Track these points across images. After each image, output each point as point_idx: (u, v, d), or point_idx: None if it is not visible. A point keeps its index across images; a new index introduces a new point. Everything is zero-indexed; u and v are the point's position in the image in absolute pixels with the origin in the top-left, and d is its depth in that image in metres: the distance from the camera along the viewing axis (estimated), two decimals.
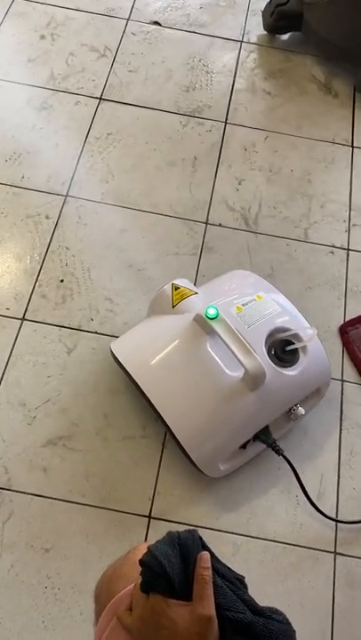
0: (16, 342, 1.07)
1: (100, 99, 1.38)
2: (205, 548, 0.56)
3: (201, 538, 0.56)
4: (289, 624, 0.53)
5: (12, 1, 1.51)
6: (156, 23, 1.53)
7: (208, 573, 0.52)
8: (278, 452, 0.95)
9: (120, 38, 1.48)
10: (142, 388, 0.93)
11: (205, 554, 0.54)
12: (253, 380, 0.87)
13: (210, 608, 0.50)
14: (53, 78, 1.39)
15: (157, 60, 1.46)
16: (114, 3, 1.55)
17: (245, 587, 0.56)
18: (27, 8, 1.50)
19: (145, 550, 0.54)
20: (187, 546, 0.55)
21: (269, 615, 0.52)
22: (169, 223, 1.23)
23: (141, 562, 0.54)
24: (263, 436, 0.94)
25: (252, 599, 0.54)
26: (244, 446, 0.95)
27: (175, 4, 1.57)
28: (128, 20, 1.52)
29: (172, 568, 0.52)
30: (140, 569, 0.54)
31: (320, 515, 0.96)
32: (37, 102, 1.35)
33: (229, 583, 0.54)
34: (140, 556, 0.54)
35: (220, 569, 0.55)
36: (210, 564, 0.53)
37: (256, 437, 0.94)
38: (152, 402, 0.92)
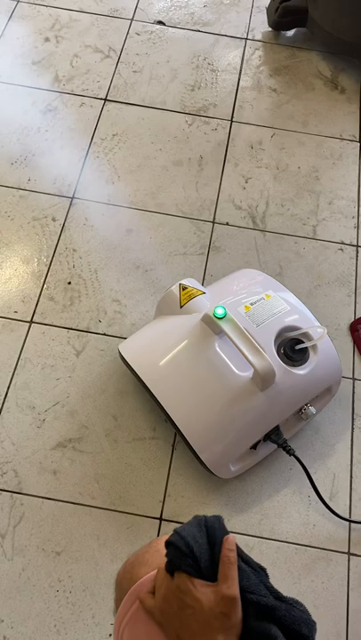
0: (24, 345, 1.07)
1: (105, 100, 1.37)
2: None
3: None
4: (310, 615, 0.53)
5: (16, 4, 1.51)
6: (160, 23, 1.52)
7: (234, 555, 0.53)
8: (289, 451, 0.94)
9: (124, 39, 1.48)
10: (151, 389, 0.92)
11: (231, 536, 0.54)
12: (263, 380, 0.86)
13: (235, 588, 0.51)
14: (58, 80, 1.39)
15: (162, 60, 1.45)
16: (117, 3, 1.54)
17: (267, 576, 0.56)
18: (31, 11, 1.50)
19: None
20: (213, 528, 0.55)
21: (292, 603, 0.53)
22: (176, 223, 1.22)
23: (167, 542, 0.54)
24: (274, 435, 0.93)
25: (274, 587, 0.54)
26: (254, 447, 0.94)
27: (179, 3, 1.56)
28: (132, 20, 1.52)
29: (199, 548, 0.53)
30: (163, 555, 0.55)
31: (333, 515, 0.95)
32: (42, 105, 1.35)
33: (252, 569, 0.54)
34: (164, 542, 0.54)
35: (243, 555, 0.55)
36: (235, 547, 0.53)
37: (267, 437, 0.93)
38: (161, 403, 0.91)
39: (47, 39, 1.46)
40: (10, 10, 1.50)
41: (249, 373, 0.89)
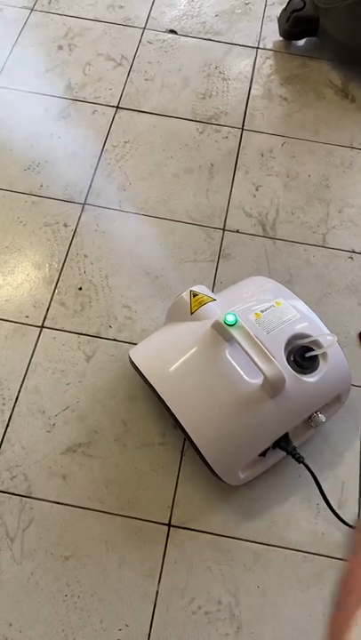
0: (35, 350, 1.08)
1: (117, 107, 1.39)
2: None
3: None
4: None
5: (30, 12, 1.53)
6: (172, 32, 1.54)
7: None
8: (298, 459, 0.94)
9: (136, 47, 1.49)
10: (161, 395, 0.93)
11: None
12: (273, 387, 0.87)
13: None
14: (71, 88, 1.40)
15: (174, 68, 1.47)
16: (130, 12, 1.56)
17: None
18: (44, 19, 1.52)
19: None
20: None
21: None
22: (186, 230, 1.23)
23: None
24: (283, 443, 0.93)
25: None
26: (263, 454, 0.94)
27: (191, 12, 1.58)
28: (144, 29, 1.53)
29: None
30: None
31: (342, 523, 0.95)
32: (55, 112, 1.36)
33: None
34: None
35: None
36: None
37: (276, 445, 0.93)
38: (171, 409, 0.92)
39: (60, 47, 1.47)
40: (24, 18, 1.52)
41: (259, 380, 0.89)
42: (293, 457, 0.94)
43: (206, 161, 1.32)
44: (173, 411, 0.92)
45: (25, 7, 1.54)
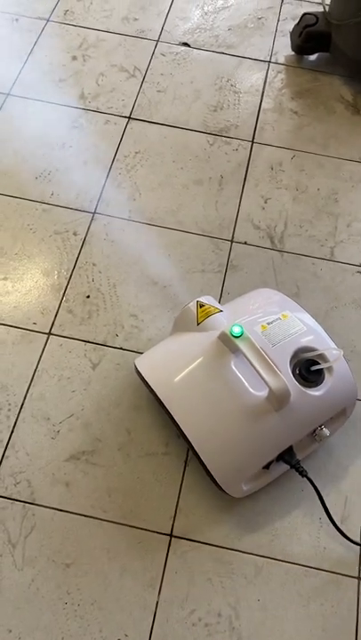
0: (42, 357, 1.09)
1: (129, 118, 1.40)
2: None
3: None
4: None
5: (46, 23, 1.55)
6: (186, 44, 1.55)
7: None
8: (302, 473, 0.94)
9: (150, 59, 1.51)
10: (165, 404, 0.93)
11: None
12: (278, 400, 0.87)
13: None
14: (84, 98, 1.42)
15: (186, 81, 1.48)
16: (144, 25, 1.58)
17: None
18: (59, 30, 1.54)
19: None
20: None
21: None
22: (195, 241, 1.24)
23: None
24: (287, 456, 0.93)
25: None
26: (267, 466, 0.94)
27: (204, 25, 1.59)
28: (158, 41, 1.55)
29: None
30: None
31: (344, 538, 0.94)
32: (68, 121, 1.38)
33: None
34: None
35: None
36: None
37: (280, 458, 0.93)
38: (175, 419, 0.92)
39: (74, 58, 1.49)
40: (39, 28, 1.54)
41: (264, 393, 0.89)
42: (297, 470, 0.94)
43: (216, 173, 1.33)
44: (177, 420, 0.92)
45: (40, 18, 1.56)
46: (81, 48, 1.51)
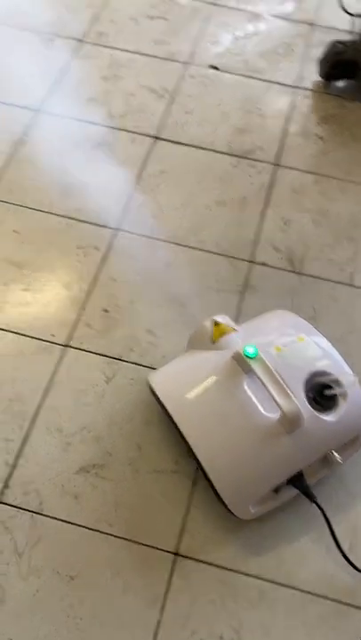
0: (58, 368, 1.10)
1: (156, 137, 1.43)
2: None
3: None
4: None
5: (79, 44, 1.60)
6: (214, 68, 1.58)
7: None
8: (311, 498, 0.93)
9: (178, 81, 1.54)
10: (176, 421, 0.93)
11: None
12: (290, 423, 0.87)
13: None
14: (112, 117, 1.45)
15: (213, 103, 1.51)
16: (174, 47, 1.62)
17: None
18: (92, 50, 1.59)
19: None
20: None
21: None
22: (214, 260, 1.25)
23: None
24: (297, 481, 0.92)
25: None
26: (276, 490, 0.93)
27: (234, 50, 1.62)
28: (187, 63, 1.58)
29: None
30: None
31: (351, 567, 0.93)
32: (95, 138, 1.41)
33: None
34: None
35: None
36: None
37: (289, 482, 0.93)
38: (185, 436, 0.92)
39: (105, 77, 1.53)
40: (73, 48, 1.59)
41: (276, 415, 0.89)
42: (306, 495, 0.93)
43: (239, 194, 1.35)
44: (187, 438, 0.92)
45: (74, 38, 1.61)
46: (112, 68, 1.55)
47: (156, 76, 1.55)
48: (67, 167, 1.36)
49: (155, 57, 1.59)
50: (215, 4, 1.74)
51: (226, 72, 1.58)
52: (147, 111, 1.47)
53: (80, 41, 1.61)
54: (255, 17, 1.72)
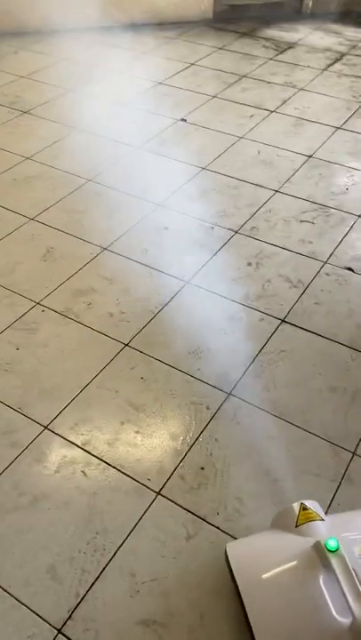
0: (146, 513, 1.16)
1: (283, 321, 1.57)
2: None
3: None
4: None
5: (234, 234, 1.87)
6: (349, 269, 1.74)
7: None
8: None
9: (314, 276, 1.71)
10: (244, 602, 0.92)
11: None
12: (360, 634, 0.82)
13: None
14: (248, 297, 1.64)
15: (343, 300, 1.64)
16: (317, 247, 1.82)
17: None
18: (243, 240, 1.84)
19: None
20: None
21: None
22: (317, 443, 1.28)
23: None
24: None
25: None
26: None
27: None
28: (325, 262, 1.76)
29: None
30: None
31: None
32: (229, 312, 1.59)
33: None
34: None
35: None
36: None
37: None
38: (249, 619, 0.90)
39: (249, 264, 1.76)
40: (228, 236, 1.86)
41: (347, 621, 0.84)
42: None
43: (352, 385, 1.40)
44: (251, 622, 0.90)
45: (231, 229, 1.89)
46: (257, 257, 1.78)
47: (294, 269, 1.74)
48: (198, 332, 1.53)
49: (297, 253, 1.80)
50: None
51: (359, 274, 1.72)
52: (279, 297, 1.64)
53: (236, 232, 1.88)
54: None
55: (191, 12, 3.44)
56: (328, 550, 0.89)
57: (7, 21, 3.19)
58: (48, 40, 3.17)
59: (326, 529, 0.98)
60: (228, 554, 1.00)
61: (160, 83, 2.81)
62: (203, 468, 1.23)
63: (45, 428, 1.31)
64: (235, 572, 0.97)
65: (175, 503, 1.17)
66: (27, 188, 2.08)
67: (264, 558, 0.97)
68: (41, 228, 1.89)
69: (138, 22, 3.31)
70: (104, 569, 1.08)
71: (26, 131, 2.42)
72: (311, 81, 2.85)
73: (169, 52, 3.13)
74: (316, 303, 1.63)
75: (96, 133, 2.38)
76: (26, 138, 2.36)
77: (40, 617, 1.02)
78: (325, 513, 1.02)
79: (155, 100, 2.65)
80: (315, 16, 3.58)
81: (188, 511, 1.16)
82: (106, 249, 1.80)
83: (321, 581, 0.89)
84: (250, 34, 3.38)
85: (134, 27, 3.29)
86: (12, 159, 2.23)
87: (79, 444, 1.28)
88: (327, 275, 1.72)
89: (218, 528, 1.13)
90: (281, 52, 3.15)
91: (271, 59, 3.07)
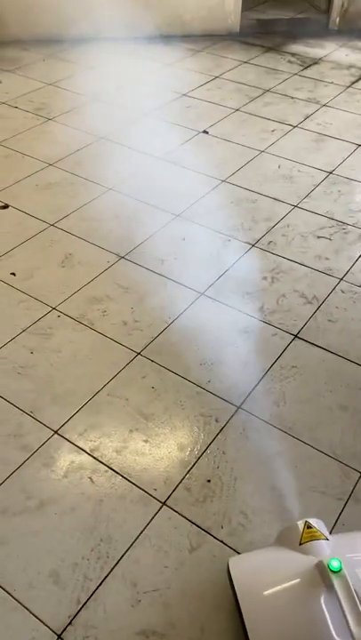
0: (150, 522, 1.16)
1: (296, 336, 1.57)
2: None
3: None
4: None
5: (250, 247, 1.88)
6: None
7: None
8: None
9: (329, 292, 1.71)
10: (245, 619, 0.92)
11: None
12: None
13: None
14: (262, 311, 1.64)
15: (357, 317, 1.63)
16: (333, 264, 1.82)
17: None
18: (260, 254, 1.85)
19: None
20: None
21: None
22: (324, 461, 1.28)
23: None
24: None
25: None
26: None
27: None
28: (341, 279, 1.76)
29: None
30: None
31: None
32: (242, 325, 1.60)
33: None
34: None
35: None
36: None
37: None
38: (249, 636, 0.90)
39: (265, 278, 1.76)
40: (244, 249, 1.87)
41: None
42: None
43: None
44: (250, 639, 0.89)
45: (248, 242, 1.90)
46: (273, 271, 1.79)
47: (310, 285, 1.74)
48: (210, 344, 1.54)
49: (313, 269, 1.80)
50: None
51: None
52: (293, 312, 1.64)
53: (252, 245, 1.89)
54: None
55: (218, 25, 3.47)
56: (331, 571, 0.88)
57: (37, 30, 3.25)
58: (76, 49, 3.22)
59: (330, 549, 0.97)
60: (230, 568, 1.00)
61: (184, 94, 2.84)
62: (209, 481, 1.24)
63: (55, 432, 1.32)
64: (236, 588, 0.97)
65: (180, 514, 1.18)
66: (48, 194, 2.11)
67: (266, 575, 0.97)
68: (60, 234, 1.92)
69: (165, 34, 3.35)
70: (106, 577, 1.09)
71: (50, 137, 2.46)
72: (334, 97, 2.86)
73: (194, 64, 3.16)
74: (331, 320, 1.62)
75: (118, 142, 2.41)
76: (50, 144, 2.40)
77: (41, 621, 1.03)
78: (330, 532, 1.02)
79: (178, 112, 2.68)
80: (341, 33, 3.59)
81: (193, 523, 1.16)
82: (123, 257, 1.82)
83: (322, 602, 0.89)
84: (276, 48, 3.40)
85: (161, 38, 3.33)
86: (35, 165, 2.27)
87: (88, 451, 1.29)
88: (343, 292, 1.72)
89: (221, 542, 1.13)
90: (306, 68, 3.16)
91: (296, 74, 3.09)
